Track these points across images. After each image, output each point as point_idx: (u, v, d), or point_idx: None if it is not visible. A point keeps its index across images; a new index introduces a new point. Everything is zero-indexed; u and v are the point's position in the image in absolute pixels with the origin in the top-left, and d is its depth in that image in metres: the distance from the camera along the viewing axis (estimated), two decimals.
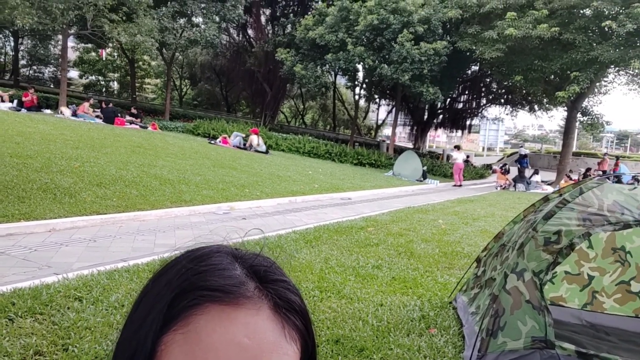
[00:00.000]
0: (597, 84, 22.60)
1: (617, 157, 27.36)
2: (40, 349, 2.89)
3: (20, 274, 4.41)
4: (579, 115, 23.46)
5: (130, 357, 0.51)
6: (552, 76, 21.72)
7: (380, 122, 48.41)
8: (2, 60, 41.14)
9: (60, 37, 24.84)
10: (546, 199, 3.88)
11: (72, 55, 35.74)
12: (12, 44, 34.08)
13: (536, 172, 23.31)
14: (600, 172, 21.71)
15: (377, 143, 34.33)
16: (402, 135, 54.19)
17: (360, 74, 27.61)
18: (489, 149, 60.85)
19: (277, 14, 33.57)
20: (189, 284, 0.51)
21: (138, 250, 5.59)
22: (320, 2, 28.61)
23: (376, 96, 34.83)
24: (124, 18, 19.56)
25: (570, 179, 21.10)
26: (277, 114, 39.03)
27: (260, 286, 0.53)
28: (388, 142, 30.34)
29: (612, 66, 20.21)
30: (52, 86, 36.66)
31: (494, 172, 26.28)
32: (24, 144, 10.18)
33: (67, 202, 6.77)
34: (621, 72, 22.55)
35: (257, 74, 33.32)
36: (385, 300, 4.39)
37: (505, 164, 25.63)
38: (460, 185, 20.24)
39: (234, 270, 0.53)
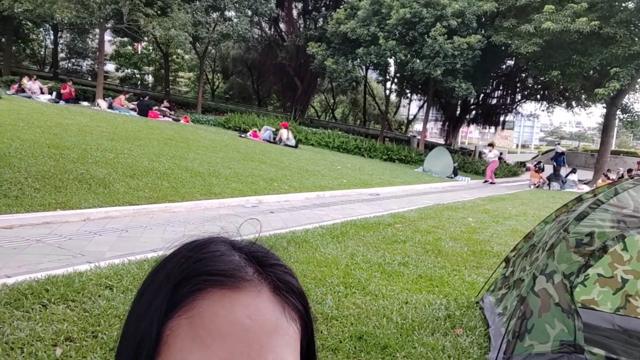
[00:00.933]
0: (639, 80, 21.77)
1: None
2: (71, 335, 2.99)
3: (54, 261, 4.56)
4: (618, 112, 22.69)
5: (137, 345, 0.52)
6: (591, 72, 21.05)
7: (411, 117, 47.93)
8: (42, 53, 42.46)
9: (97, 30, 25.49)
10: (579, 199, 3.77)
11: (109, 48, 36.64)
12: (52, 37, 35.14)
13: (573, 171, 22.66)
14: None
15: (407, 139, 34.03)
16: (433, 131, 53.54)
17: (392, 69, 27.37)
18: (523, 146, 59.56)
19: (309, 7, 33.53)
20: (191, 270, 0.53)
21: (168, 241, 5.65)
22: None
23: (407, 91, 34.47)
24: (158, 12, 19.91)
25: (608, 178, 20.42)
26: (308, 108, 39.08)
27: (259, 269, 0.55)
28: (419, 137, 30.02)
29: None
30: (89, 79, 37.67)
31: (528, 170, 25.70)
32: (61, 135, 10.49)
33: (101, 193, 6.96)
34: None
35: (288, 68, 33.41)
36: (410, 298, 4.35)
37: (539, 162, 25.02)
38: (492, 183, 19.87)
39: (232, 256, 0.55)
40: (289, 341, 0.52)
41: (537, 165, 22.50)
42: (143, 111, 19.92)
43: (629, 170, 22.24)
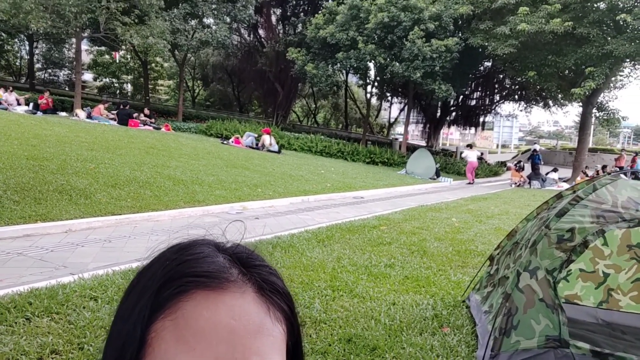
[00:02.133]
0: (613, 78, 22.26)
1: (636, 153, 26.92)
2: (57, 347, 2.94)
3: (37, 274, 4.48)
4: (594, 110, 23.14)
5: (120, 348, 0.52)
6: (567, 71, 21.46)
7: (392, 120, 48.23)
8: (17, 64, 41.76)
9: (74, 40, 25.15)
10: (559, 196, 3.84)
11: (86, 58, 36.17)
12: (27, 47, 34.57)
13: (555, 170, 23.05)
14: (617, 169, 21.39)
15: (389, 141, 34.23)
16: (415, 133, 53.94)
17: (372, 72, 27.54)
18: (503, 146, 60.33)
19: (288, 13, 33.62)
20: (174, 272, 0.53)
21: (152, 250, 5.63)
22: (330, 1, 28.59)
23: (388, 94, 34.76)
24: (136, 20, 19.73)
25: (587, 175, 20.82)
26: (289, 113, 39.09)
27: (243, 270, 0.55)
28: (401, 140, 30.24)
29: (628, 60, 19.91)
30: (67, 89, 37.12)
31: (509, 169, 26.04)
32: (40, 146, 10.33)
33: (82, 203, 6.87)
34: (637, 66, 22.19)
35: (268, 73, 33.39)
36: (397, 299, 4.38)
37: (520, 161, 25.40)
38: (471, 183, 20.09)
39: (216, 257, 0.55)
40: (274, 342, 0.52)
41: (518, 165, 22.85)
42: (123, 120, 19.71)
43: (603, 167, 22.71)
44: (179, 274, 0.52)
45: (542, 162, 23.77)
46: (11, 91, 19.99)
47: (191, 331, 0.49)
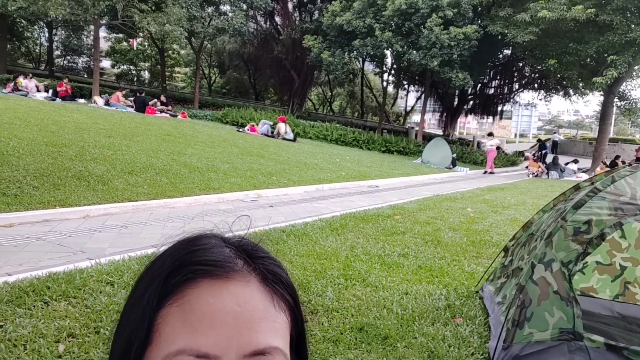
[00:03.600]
0: (636, 67, 21.71)
1: None
2: (73, 331, 3.01)
3: (55, 258, 4.57)
4: (616, 100, 22.66)
5: (130, 334, 0.54)
6: (588, 60, 20.99)
7: (409, 108, 47.82)
8: (37, 51, 42.27)
9: (92, 27, 25.34)
10: (577, 187, 3.78)
11: (104, 45, 36.44)
12: (47, 35, 34.97)
13: (575, 161, 22.72)
14: (638, 159, 20.98)
15: (405, 130, 33.99)
16: (431, 122, 53.48)
17: (389, 60, 27.29)
18: (521, 135, 59.44)
19: (304, 0, 33.37)
20: (182, 261, 0.54)
21: (168, 236, 5.70)
22: None
23: (405, 82, 34.42)
24: (153, 8, 19.82)
25: (607, 165, 20.47)
26: (305, 101, 39.01)
27: (248, 261, 0.56)
28: (417, 129, 30.00)
29: None
30: (85, 76, 37.51)
31: (526, 159, 25.72)
32: (58, 132, 10.48)
33: (100, 190, 6.97)
34: None
35: (284, 61, 33.29)
36: (410, 288, 4.37)
37: (540, 150, 25.06)
38: (492, 173, 19.90)
39: (223, 248, 0.57)
40: (278, 329, 0.54)
41: (535, 154, 22.55)
42: (140, 107, 19.88)
43: (616, 157, 22.28)
44: (186, 262, 0.54)
45: (550, 152, 23.60)
46: (31, 78, 20.28)
47: (196, 314, 0.50)
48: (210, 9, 25.32)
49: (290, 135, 19.90)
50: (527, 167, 22.07)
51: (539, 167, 21.32)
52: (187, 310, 0.51)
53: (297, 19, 33.66)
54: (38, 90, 19.66)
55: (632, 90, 23.63)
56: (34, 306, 3.26)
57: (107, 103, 19.85)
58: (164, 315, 0.52)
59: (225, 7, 26.65)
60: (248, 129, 20.16)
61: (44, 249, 4.84)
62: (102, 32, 30.19)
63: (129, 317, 0.56)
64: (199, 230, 0.61)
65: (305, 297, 3.88)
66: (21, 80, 19.67)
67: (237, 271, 0.54)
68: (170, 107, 22.50)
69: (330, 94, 48.55)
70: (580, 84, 24.79)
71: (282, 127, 19.89)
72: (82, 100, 20.61)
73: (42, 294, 3.43)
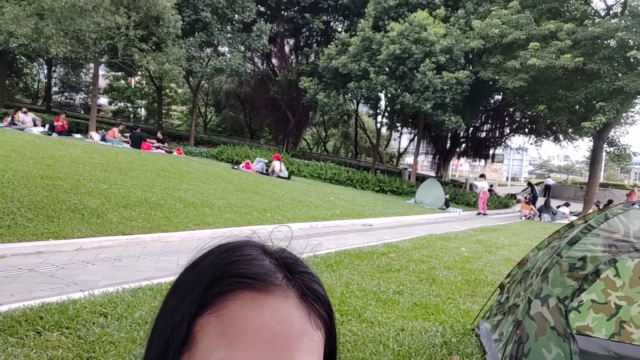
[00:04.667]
0: (624, 114, 22.29)
1: None
2: None
3: (47, 290, 4.51)
4: (605, 145, 23.11)
5: (167, 339, 0.55)
6: (577, 106, 21.55)
7: (402, 150, 48.42)
8: (35, 86, 42.72)
9: (92, 65, 25.75)
10: (571, 225, 3.84)
11: (102, 82, 36.96)
12: (46, 71, 35.44)
13: (567, 204, 22.96)
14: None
15: (399, 171, 34.30)
16: (424, 164, 54.00)
17: (382, 102, 27.82)
18: (513, 179, 60.05)
19: (301, 43, 34.27)
20: (223, 272, 0.55)
21: (162, 270, 5.67)
22: (343, 33, 29.16)
23: (398, 124, 34.97)
24: (153, 47, 20.23)
25: (600, 209, 20.63)
26: (300, 141, 39.41)
27: (288, 275, 0.56)
28: (410, 170, 30.28)
29: (639, 96, 19.97)
30: (82, 112, 37.82)
31: (519, 202, 25.93)
32: (54, 166, 10.49)
33: (94, 223, 6.93)
34: None
35: (280, 101, 33.86)
36: (406, 325, 4.34)
37: (531, 193, 25.32)
38: (485, 214, 20.01)
39: (263, 260, 0.57)
40: (314, 347, 0.54)
41: (527, 197, 22.77)
42: (136, 143, 19.99)
43: (609, 202, 22.53)
44: (227, 273, 0.55)
45: (537, 195, 24.07)
46: (26, 112, 20.42)
47: (234, 328, 0.51)
48: (209, 50, 25.90)
49: (285, 173, 20.01)
50: (519, 210, 22.25)
51: (531, 209, 21.48)
52: (226, 322, 0.51)
53: (294, 61, 34.46)
54: (35, 125, 19.76)
55: (620, 136, 24.16)
56: (27, 336, 3.20)
57: (103, 138, 19.95)
58: (203, 324, 0.52)
59: (224, 49, 27.27)
60: (243, 167, 20.27)
61: (36, 280, 4.79)
62: (101, 70, 30.67)
63: (167, 322, 0.56)
64: (241, 237, 0.62)
65: None
66: (19, 114, 19.80)
67: (277, 285, 0.54)
68: (166, 144, 22.63)
69: (324, 134, 49.14)
70: (570, 130, 25.37)
71: (276, 165, 20.01)
72: (78, 136, 20.72)
73: (35, 323, 3.38)
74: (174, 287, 0.59)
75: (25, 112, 20.33)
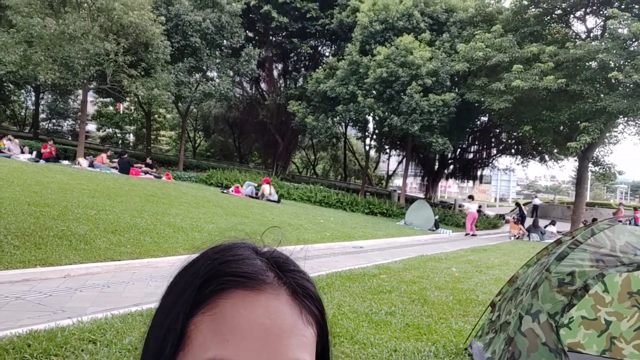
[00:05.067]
0: (607, 134, 22.72)
1: (635, 208, 26.88)
2: None
3: (35, 317, 4.44)
4: (590, 165, 23.46)
5: (163, 338, 0.56)
6: (562, 126, 21.92)
7: (391, 172, 48.67)
8: (22, 114, 42.54)
9: (80, 91, 25.77)
10: (559, 241, 3.89)
11: (90, 109, 36.92)
12: (33, 98, 35.35)
13: (552, 223, 23.18)
14: None
15: (388, 193, 34.41)
16: (413, 186, 54.27)
17: (371, 125, 28.09)
18: (501, 200, 60.51)
19: (289, 68, 34.67)
20: (216, 271, 0.56)
21: (151, 295, 5.61)
22: (330, 57, 29.57)
23: (386, 147, 35.26)
24: (142, 73, 20.33)
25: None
26: (289, 164, 39.50)
27: (279, 274, 0.58)
28: (399, 192, 30.40)
29: (621, 116, 20.39)
30: (70, 138, 37.65)
31: (507, 222, 26.11)
32: (41, 193, 10.40)
33: (82, 249, 6.86)
34: (630, 122, 22.73)
35: (269, 125, 34.04)
36: (399, 346, 4.33)
37: (519, 213, 25.55)
38: (474, 235, 20.09)
39: (255, 260, 0.59)
40: (306, 343, 0.55)
41: (515, 218, 22.96)
42: (124, 169, 19.90)
43: (594, 220, 22.78)
44: (220, 272, 0.56)
45: (526, 214, 24.58)
46: (10, 139, 20.29)
47: (227, 326, 0.52)
48: (197, 75, 26.08)
49: (275, 197, 20.00)
50: (509, 230, 22.37)
51: (520, 229, 21.62)
52: (220, 320, 0.53)
53: (282, 85, 34.80)
54: (22, 152, 19.63)
55: (605, 155, 24.57)
56: None
57: (91, 165, 19.86)
58: (197, 323, 0.54)
59: (213, 73, 27.49)
60: (232, 191, 20.23)
61: (23, 308, 4.71)
62: (90, 96, 30.69)
63: (163, 321, 0.57)
64: (232, 239, 0.64)
65: None
66: (3, 142, 19.67)
67: (269, 284, 0.56)
68: (155, 169, 22.56)
69: (313, 157, 49.34)
70: (555, 150, 25.73)
71: (266, 188, 20.01)
72: (66, 162, 20.60)
73: (23, 351, 3.32)
74: (170, 287, 0.60)
75: (10, 140, 20.21)
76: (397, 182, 51.92)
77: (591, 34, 22.55)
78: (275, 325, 0.53)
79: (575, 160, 24.34)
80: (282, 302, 0.55)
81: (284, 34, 30.17)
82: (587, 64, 19.38)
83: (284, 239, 0.73)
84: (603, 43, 18.82)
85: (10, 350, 3.29)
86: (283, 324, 0.54)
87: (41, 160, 19.28)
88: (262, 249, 0.63)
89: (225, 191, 20.33)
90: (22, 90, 36.65)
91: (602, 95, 18.98)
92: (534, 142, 25.98)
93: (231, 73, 26.66)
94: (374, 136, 29.34)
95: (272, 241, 0.69)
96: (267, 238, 0.69)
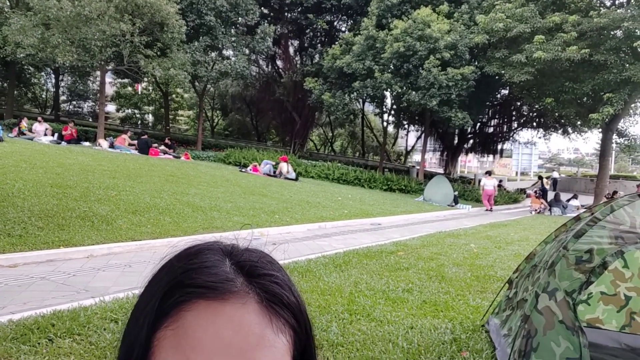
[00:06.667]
0: (632, 105, 22.08)
1: None
2: None
3: (59, 297, 4.57)
4: (614, 137, 22.91)
5: (128, 349, 0.54)
6: (585, 98, 21.37)
7: (409, 148, 48.30)
8: (43, 96, 43.14)
9: (98, 73, 25.98)
10: (578, 218, 3.82)
11: (109, 90, 37.22)
12: (53, 80, 35.78)
13: (575, 197, 22.81)
14: None
15: (406, 169, 34.23)
16: (432, 161, 53.84)
17: (388, 101, 27.80)
18: (522, 174, 59.62)
19: (305, 44, 34.31)
20: (177, 281, 0.53)
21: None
22: (346, 32, 29.17)
23: (405, 122, 34.90)
24: (158, 53, 20.36)
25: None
26: (306, 141, 39.47)
27: (247, 281, 0.54)
28: (418, 167, 30.20)
29: None
30: (90, 120, 38.13)
31: (529, 196, 25.80)
32: (63, 174, 10.60)
33: (104, 229, 7.00)
34: None
35: (286, 103, 33.93)
36: (415, 323, 4.34)
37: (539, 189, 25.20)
38: (490, 210, 19.91)
39: (222, 266, 0.55)
40: (276, 353, 0.52)
41: (537, 192, 22.63)
42: (143, 149, 20.13)
43: (614, 193, 22.33)
44: (181, 283, 0.53)
45: (548, 188, 24.27)
46: (40, 121, 20.72)
47: (189, 341, 0.50)
48: (213, 54, 26.02)
49: (292, 175, 20.05)
50: (530, 204, 22.11)
51: (542, 203, 21.33)
52: (181, 335, 0.50)
53: (298, 62, 34.52)
54: (45, 134, 19.98)
55: (630, 127, 24.00)
56: (39, 343, 3.25)
57: (111, 145, 20.12)
58: (160, 338, 0.51)
59: (228, 52, 27.39)
60: (250, 169, 20.33)
61: (48, 288, 4.85)
62: (108, 77, 30.91)
63: (131, 330, 0.55)
64: (203, 240, 0.61)
65: None
66: (24, 124, 20.03)
67: (234, 292, 0.53)
68: (173, 150, 22.77)
69: (331, 134, 49.16)
70: (578, 122, 25.14)
71: (284, 166, 20.06)
72: (87, 144, 20.91)
73: (47, 331, 3.42)
74: (140, 295, 0.58)
75: (40, 121, 20.63)
76: (416, 157, 51.49)
77: (616, 2, 21.74)
78: (239, 338, 0.50)
79: (599, 132, 23.78)
80: (248, 312, 0.52)
81: (299, 9, 29.79)
82: (611, 33, 18.75)
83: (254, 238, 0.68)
84: (629, 11, 18.16)
85: (35, 330, 3.40)
86: (248, 336, 0.51)
87: (63, 142, 19.60)
88: (233, 250, 0.59)
89: (243, 170, 20.45)
90: (42, 73, 37.08)
91: (627, 65, 18.39)
92: (556, 114, 25.41)
93: (247, 51, 26.54)
94: (392, 112, 29.07)
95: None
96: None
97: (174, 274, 0.54)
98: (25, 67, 30.63)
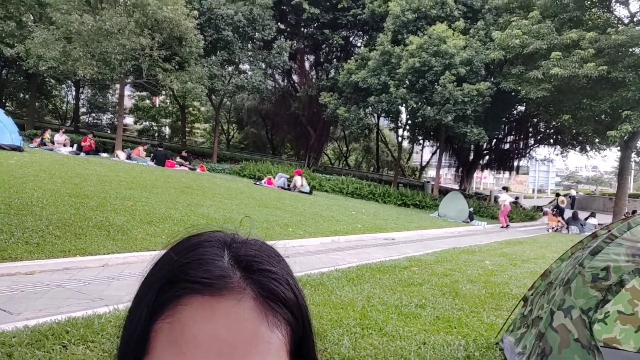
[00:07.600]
0: None
1: None
2: None
3: (74, 305, 4.62)
4: (633, 155, 22.58)
5: (127, 344, 0.55)
6: (603, 115, 21.14)
7: (424, 163, 48.12)
8: (63, 108, 44.02)
9: (117, 85, 26.47)
10: (594, 235, 3.77)
11: (128, 102, 37.89)
12: (74, 93, 36.53)
13: (592, 215, 22.47)
14: None
15: (421, 184, 34.05)
16: (447, 177, 53.52)
17: (403, 116, 27.80)
18: (539, 191, 58.89)
19: (321, 59, 34.60)
20: (173, 275, 0.53)
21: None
22: (362, 47, 29.35)
23: (420, 137, 34.85)
24: (176, 67, 20.71)
25: None
26: (321, 155, 39.57)
27: (244, 276, 0.54)
28: (433, 183, 30.05)
29: None
30: (109, 132, 38.78)
31: (545, 214, 25.48)
32: (81, 184, 10.76)
33: (119, 239, 7.07)
34: None
35: (301, 117, 34.14)
36: (428, 339, 4.30)
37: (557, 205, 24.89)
38: (507, 226, 19.69)
39: (219, 261, 0.55)
40: (270, 348, 0.52)
41: (554, 209, 22.35)
42: (160, 161, 20.37)
43: (633, 212, 21.97)
44: (178, 277, 0.53)
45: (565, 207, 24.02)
46: (63, 132, 21.17)
47: (184, 336, 0.50)
48: (230, 68, 26.36)
49: (307, 188, 20.08)
50: (546, 222, 21.82)
51: (559, 221, 21.04)
52: (177, 330, 0.50)
53: (314, 77, 34.78)
54: (64, 145, 20.35)
55: None
56: (53, 349, 3.29)
57: (128, 157, 20.40)
58: (157, 330, 0.52)
59: (245, 66, 27.73)
60: (265, 182, 20.42)
61: (63, 296, 4.90)
62: (127, 90, 31.46)
63: (130, 321, 0.56)
64: (203, 229, 0.60)
65: (321, 346, 3.85)
66: (47, 135, 20.45)
67: (230, 288, 0.52)
68: (188, 162, 23.01)
69: (346, 148, 49.25)
70: (596, 139, 24.84)
71: (298, 180, 20.12)
72: (105, 155, 21.24)
73: (61, 337, 3.46)
74: (140, 286, 0.58)
75: (61, 132, 21.08)
76: (431, 173, 51.26)
77: (634, 19, 21.59)
78: (234, 335, 0.50)
79: (618, 150, 23.46)
80: (244, 308, 0.52)
81: (315, 25, 30.10)
82: (630, 50, 18.59)
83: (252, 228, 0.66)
84: None
85: (50, 337, 3.44)
86: (243, 333, 0.51)
87: (81, 152, 19.93)
88: (233, 242, 0.58)
89: (257, 183, 20.55)
90: (63, 85, 37.92)
91: None
92: (574, 131, 25.16)
93: (263, 65, 26.83)
94: (407, 127, 29.06)
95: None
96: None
97: (172, 267, 0.55)
98: (47, 79, 31.37)
